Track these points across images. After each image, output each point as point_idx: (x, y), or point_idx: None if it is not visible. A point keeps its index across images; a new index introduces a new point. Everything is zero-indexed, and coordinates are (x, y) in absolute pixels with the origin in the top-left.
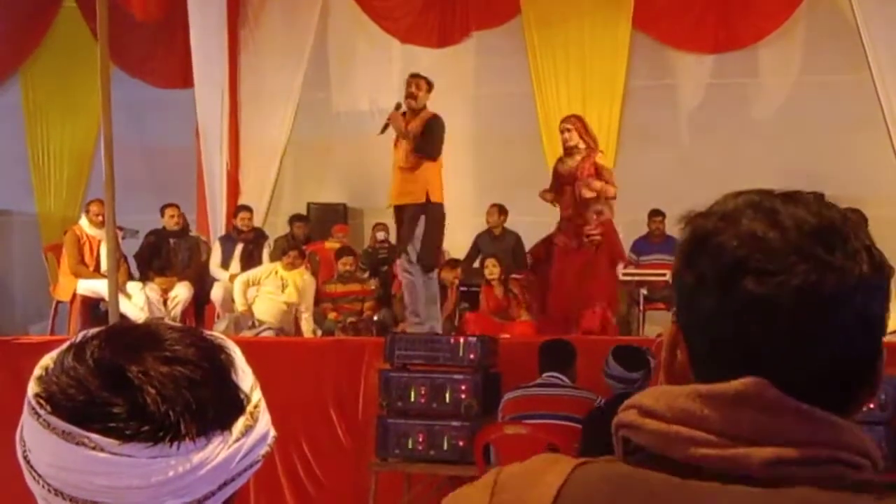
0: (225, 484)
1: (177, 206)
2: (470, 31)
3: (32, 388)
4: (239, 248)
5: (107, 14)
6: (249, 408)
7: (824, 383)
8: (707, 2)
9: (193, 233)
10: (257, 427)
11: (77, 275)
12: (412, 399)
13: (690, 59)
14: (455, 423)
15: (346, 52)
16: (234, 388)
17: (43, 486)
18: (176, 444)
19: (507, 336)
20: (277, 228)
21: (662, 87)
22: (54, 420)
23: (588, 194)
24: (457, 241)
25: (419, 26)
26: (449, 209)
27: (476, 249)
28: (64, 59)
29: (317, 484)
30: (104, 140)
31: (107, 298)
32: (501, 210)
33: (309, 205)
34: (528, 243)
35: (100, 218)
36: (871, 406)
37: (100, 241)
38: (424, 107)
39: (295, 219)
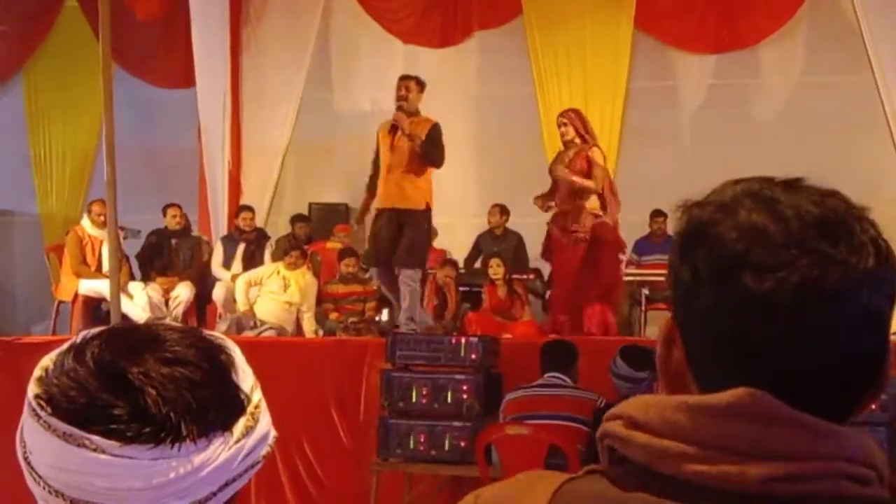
0: (226, 485)
1: (178, 206)
2: (472, 31)
3: (32, 389)
4: (241, 248)
5: (109, 14)
6: (250, 408)
7: (828, 383)
8: (709, 2)
9: (195, 233)
10: (258, 428)
11: (79, 275)
12: (414, 399)
13: (692, 60)
14: (456, 424)
15: (348, 52)
16: (235, 389)
17: (43, 488)
18: (177, 445)
19: (508, 336)
20: (279, 228)
21: (664, 88)
22: (55, 422)
23: (562, 174)
24: (458, 241)
25: (421, 26)
26: (450, 209)
27: (477, 249)
28: (66, 58)
29: (318, 484)
30: (106, 140)
31: (108, 298)
32: (503, 210)
33: (311, 205)
34: (530, 244)
35: (101, 218)
36: (873, 407)
37: (101, 242)
38: (418, 110)
39: (297, 219)
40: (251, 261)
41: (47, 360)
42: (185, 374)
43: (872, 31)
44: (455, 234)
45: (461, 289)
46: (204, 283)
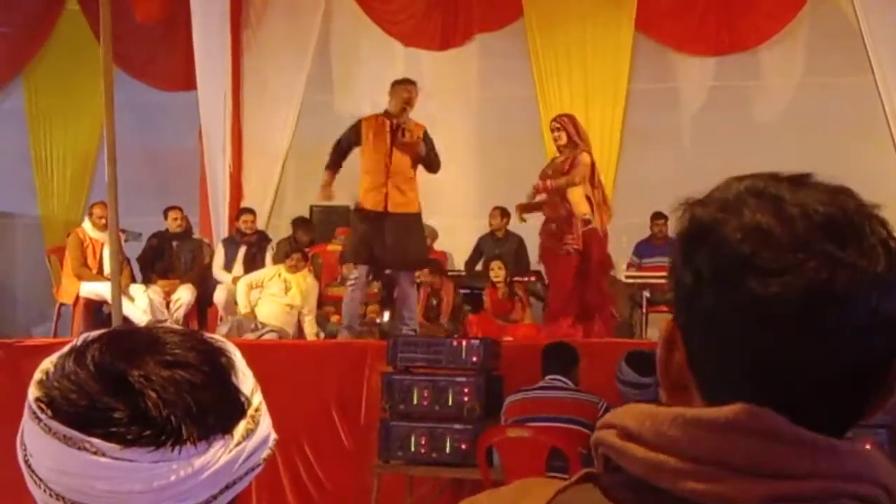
0: (227, 487)
1: (180, 209)
2: (472, 33)
3: (33, 392)
4: (242, 250)
5: (110, 16)
6: (251, 411)
7: (835, 388)
8: (709, 4)
9: (196, 235)
10: (258, 430)
11: (80, 277)
12: (414, 401)
13: (693, 62)
14: (457, 426)
15: (348, 55)
16: (235, 392)
17: (44, 491)
18: (177, 448)
19: (509, 339)
20: (280, 231)
21: (664, 90)
22: (55, 425)
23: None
24: (458, 243)
25: (422, 29)
26: (451, 211)
27: (479, 252)
28: (67, 61)
29: (319, 486)
30: (107, 142)
31: (110, 301)
32: (504, 213)
33: (312, 207)
34: (531, 246)
35: (103, 220)
36: None
37: (103, 244)
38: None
39: (299, 224)
40: (252, 263)
41: (48, 363)
42: (186, 376)
43: (873, 32)
44: (455, 236)
45: (462, 291)
46: (205, 286)
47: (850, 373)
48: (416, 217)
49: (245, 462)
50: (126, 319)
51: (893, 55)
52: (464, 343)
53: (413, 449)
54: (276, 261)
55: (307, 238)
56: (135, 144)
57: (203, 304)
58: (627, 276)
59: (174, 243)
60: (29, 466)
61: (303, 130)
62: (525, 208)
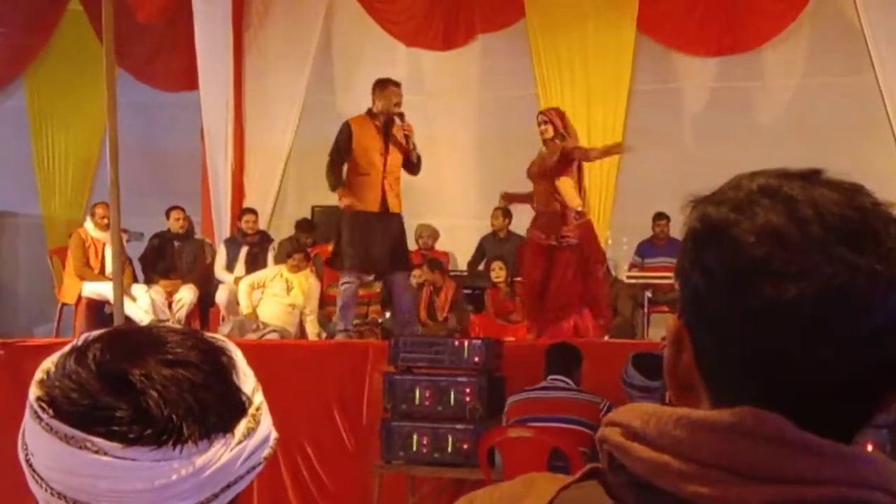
0: (228, 486)
1: (182, 209)
2: (474, 34)
3: (34, 391)
4: (244, 250)
5: (112, 17)
6: (251, 410)
7: (847, 389)
8: (711, 5)
9: (198, 235)
10: (259, 429)
11: (82, 277)
12: (416, 401)
13: (695, 63)
14: (459, 426)
15: (350, 55)
16: (236, 391)
17: (46, 490)
18: (179, 447)
19: (511, 339)
20: (282, 231)
21: (666, 91)
22: (57, 424)
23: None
24: (459, 243)
25: (424, 29)
26: (452, 211)
27: (481, 252)
28: (69, 62)
29: (320, 486)
30: (109, 143)
31: (112, 301)
32: (506, 213)
33: (313, 208)
34: None
35: (105, 220)
36: None
37: (105, 244)
38: None
39: (301, 227)
40: (254, 263)
41: (49, 363)
42: (187, 375)
43: (874, 32)
44: (456, 236)
45: (464, 291)
46: (207, 286)
47: (861, 377)
48: (401, 217)
49: (246, 461)
50: (128, 319)
51: (895, 55)
52: (466, 343)
53: (415, 449)
54: (277, 261)
55: (309, 238)
56: (137, 144)
57: (205, 304)
58: (629, 276)
59: (176, 243)
60: (30, 466)
61: (304, 130)
62: (511, 198)
